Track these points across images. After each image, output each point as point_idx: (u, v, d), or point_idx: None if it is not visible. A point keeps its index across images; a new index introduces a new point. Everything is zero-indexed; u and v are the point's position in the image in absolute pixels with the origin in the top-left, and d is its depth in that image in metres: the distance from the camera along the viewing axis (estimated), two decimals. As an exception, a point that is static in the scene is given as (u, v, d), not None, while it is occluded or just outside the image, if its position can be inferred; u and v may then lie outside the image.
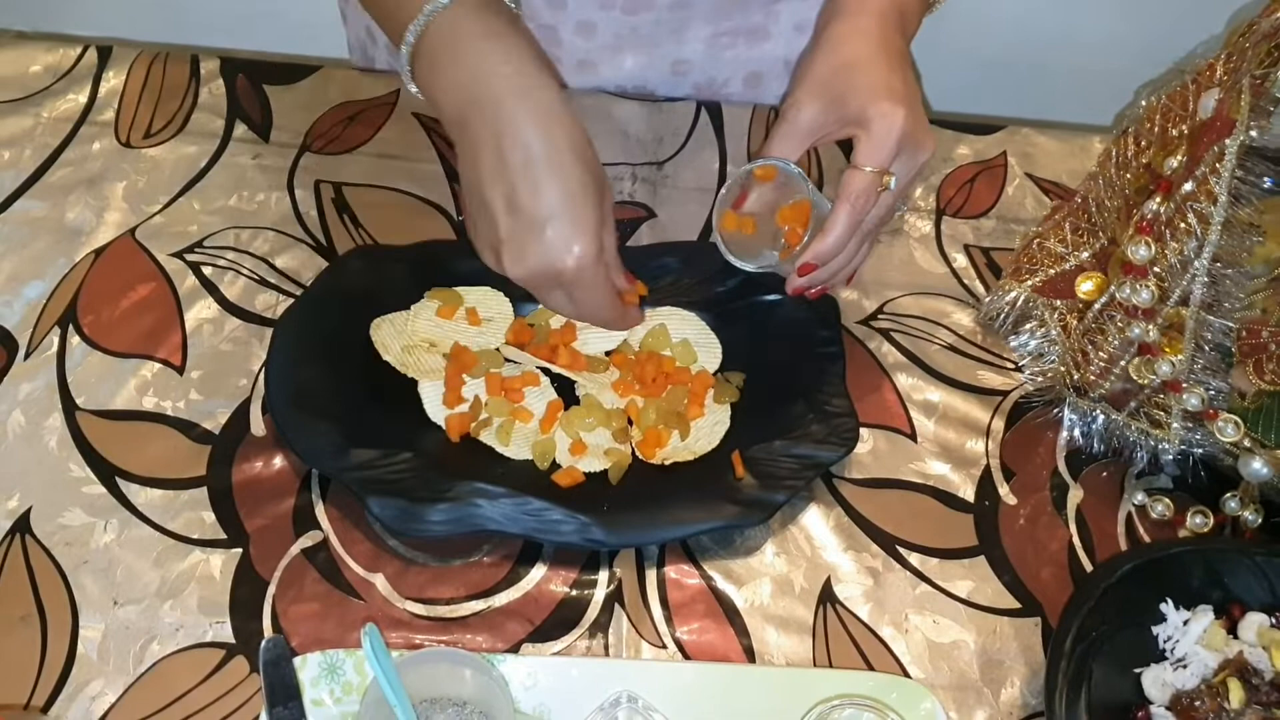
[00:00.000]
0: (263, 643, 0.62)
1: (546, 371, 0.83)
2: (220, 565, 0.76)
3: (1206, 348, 0.77)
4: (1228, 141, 0.69)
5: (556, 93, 0.69)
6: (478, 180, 0.70)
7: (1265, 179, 0.69)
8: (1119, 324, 0.79)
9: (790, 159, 0.78)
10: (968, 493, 0.83)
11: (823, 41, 0.78)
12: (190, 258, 0.89)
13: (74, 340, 0.85)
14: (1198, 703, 0.70)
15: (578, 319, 0.78)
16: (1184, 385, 0.78)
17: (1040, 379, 0.87)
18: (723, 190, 0.81)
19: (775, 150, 0.78)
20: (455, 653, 0.65)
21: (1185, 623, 0.74)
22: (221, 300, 0.87)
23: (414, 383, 0.82)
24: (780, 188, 0.80)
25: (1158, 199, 0.75)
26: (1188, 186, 0.72)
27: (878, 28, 0.78)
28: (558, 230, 0.69)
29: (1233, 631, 0.75)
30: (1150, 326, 0.77)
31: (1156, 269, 0.76)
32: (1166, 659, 0.74)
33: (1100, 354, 0.82)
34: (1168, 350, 0.78)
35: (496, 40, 0.70)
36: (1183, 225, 0.73)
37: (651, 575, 0.78)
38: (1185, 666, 0.73)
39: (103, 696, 0.71)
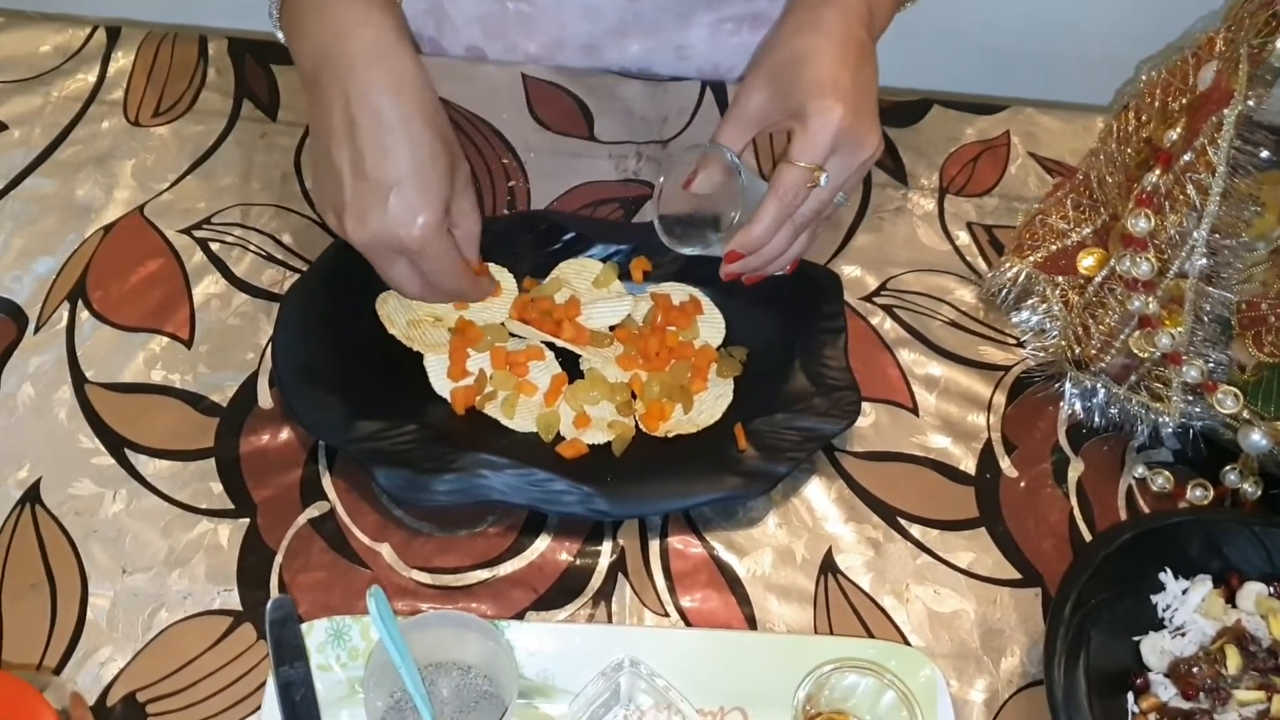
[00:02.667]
0: (269, 603, 0.62)
1: (551, 346, 0.84)
2: (228, 535, 0.77)
3: (1206, 320, 0.78)
4: (1226, 111, 0.69)
5: (413, 60, 0.69)
6: (326, 139, 0.69)
7: (1262, 150, 0.70)
8: (1119, 297, 0.80)
9: (736, 145, 0.77)
10: (969, 465, 0.84)
11: (780, 29, 0.77)
12: (198, 234, 0.90)
13: (83, 315, 0.85)
14: (1195, 669, 0.71)
15: (419, 294, 0.75)
16: (1183, 358, 0.78)
17: (1042, 354, 0.88)
18: (670, 172, 0.80)
19: (723, 135, 0.78)
20: (460, 615, 0.66)
21: (1184, 592, 0.75)
22: (229, 276, 0.88)
23: (419, 357, 0.83)
24: (725, 173, 0.79)
25: (1157, 171, 0.76)
26: (1186, 158, 0.72)
27: (839, 20, 0.75)
28: (402, 197, 0.68)
29: (1231, 601, 0.75)
30: (1150, 299, 0.78)
31: (1156, 241, 0.77)
32: (1165, 627, 0.74)
33: (1101, 328, 0.82)
34: (1167, 323, 0.79)
35: (360, 1, 0.69)
36: (1181, 197, 0.73)
37: (655, 545, 0.79)
38: (1183, 634, 0.74)
39: (112, 662, 0.72)
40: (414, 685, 0.64)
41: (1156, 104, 0.79)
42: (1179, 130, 0.74)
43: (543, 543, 0.78)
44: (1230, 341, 0.80)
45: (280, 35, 0.74)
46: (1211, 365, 0.79)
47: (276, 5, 0.73)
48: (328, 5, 0.69)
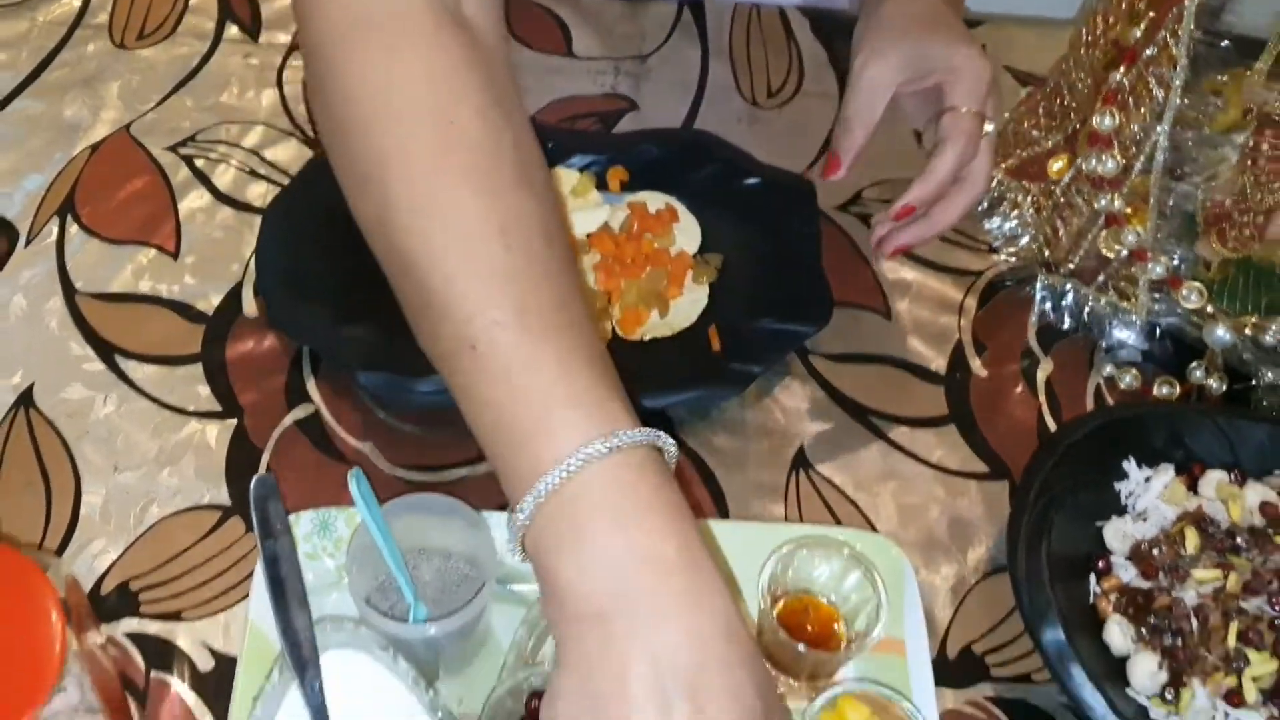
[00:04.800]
0: (253, 480, 0.64)
1: (530, 253, 0.86)
2: (216, 435, 0.79)
3: (1170, 216, 0.79)
4: (1186, 2, 0.70)
5: (729, 599, 0.52)
6: (619, 698, 0.50)
7: (1223, 40, 0.71)
8: (1086, 196, 0.81)
9: (875, 113, 0.79)
10: (939, 366, 0.86)
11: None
12: (183, 151, 0.92)
13: (72, 229, 0.87)
14: (1155, 550, 0.73)
15: None
16: (1149, 254, 0.80)
17: (1013, 259, 0.89)
18: None
19: (851, 107, 0.79)
20: (440, 499, 0.68)
21: (1147, 480, 0.77)
22: (214, 191, 0.90)
23: (401, 264, 0.85)
24: None
25: (1122, 69, 0.77)
26: (1149, 52, 0.74)
27: None
28: None
29: (1193, 489, 0.77)
30: (1116, 196, 0.79)
31: (1121, 139, 0.78)
32: (1128, 513, 0.76)
33: (1069, 229, 0.84)
34: (1133, 221, 0.80)
35: (658, 515, 0.52)
36: (1145, 92, 0.74)
37: (632, 444, 0.81)
38: (1145, 519, 0.75)
39: (105, 554, 0.74)
40: (395, 564, 0.66)
41: (1124, 4, 0.80)
42: (1143, 26, 0.75)
43: (522, 442, 0.80)
44: (1196, 239, 0.81)
45: (513, 551, 0.55)
46: (1177, 262, 0.80)
47: (522, 525, 0.53)
48: (620, 523, 0.51)
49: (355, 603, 0.64)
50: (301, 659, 0.61)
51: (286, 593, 0.62)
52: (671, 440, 0.55)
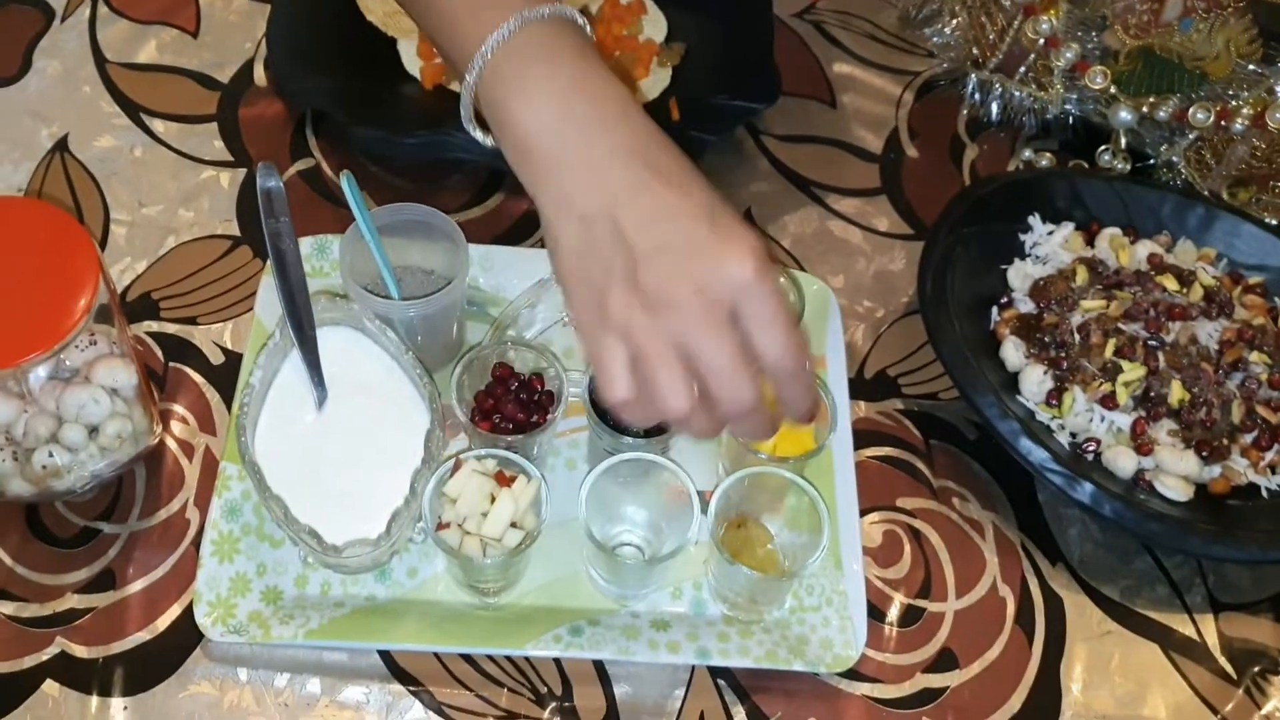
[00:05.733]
0: (258, 165, 0.74)
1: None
2: (229, 180, 0.89)
3: (1079, 4, 0.89)
4: None
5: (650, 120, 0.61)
6: (599, 198, 0.57)
7: None
8: (1009, -11, 0.91)
9: None
10: (876, 146, 0.96)
11: None
12: (204, -51, 1.02)
13: (103, 10, 0.97)
14: (1050, 286, 0.83)
15: (742, 381, 0.56)
16: (1061, 42, 0.90)
17: (949, 62, 0.99)
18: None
19: None
20: (424, 208, 0.77)
21: (1050, 233, 0.87)
22: (230, -19, 1.01)
23: (394, 44, 0.95)
24: None
25: None
26: None
27: None
28: (726, 217, 0.57)
29: (1090, 243, 0.87)
30: (1032, -14, 0.89)
31: (1037, -68, 0.88)
32: (1030, 258, 0.86)
33: (995, 25, 0.93)
34: (1049, 12, 0.90)
35: (592, 61, 0.60)
36: (1054, -119, 0.84)
37: (597, 202, 0.91)
38: (1045, 263, 0.85)
39: (130, 270, 0.84)
40: (380, 257, 0.76)
41: None
42: None
43: (499, 197, 0.90)
44: (1104, 30, 0.91)
45: (479, 134, 0.65)
46: (1087, 49, 0.90)
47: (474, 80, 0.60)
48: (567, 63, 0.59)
49: (347, 285, 0.75)
50: (299, 321, 0.72)
51: (287, 267, 0.72)
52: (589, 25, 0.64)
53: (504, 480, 0.67)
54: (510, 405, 0.72)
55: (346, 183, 0.75)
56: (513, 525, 0.66)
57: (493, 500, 0.66)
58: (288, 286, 0.72)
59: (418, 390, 0.72)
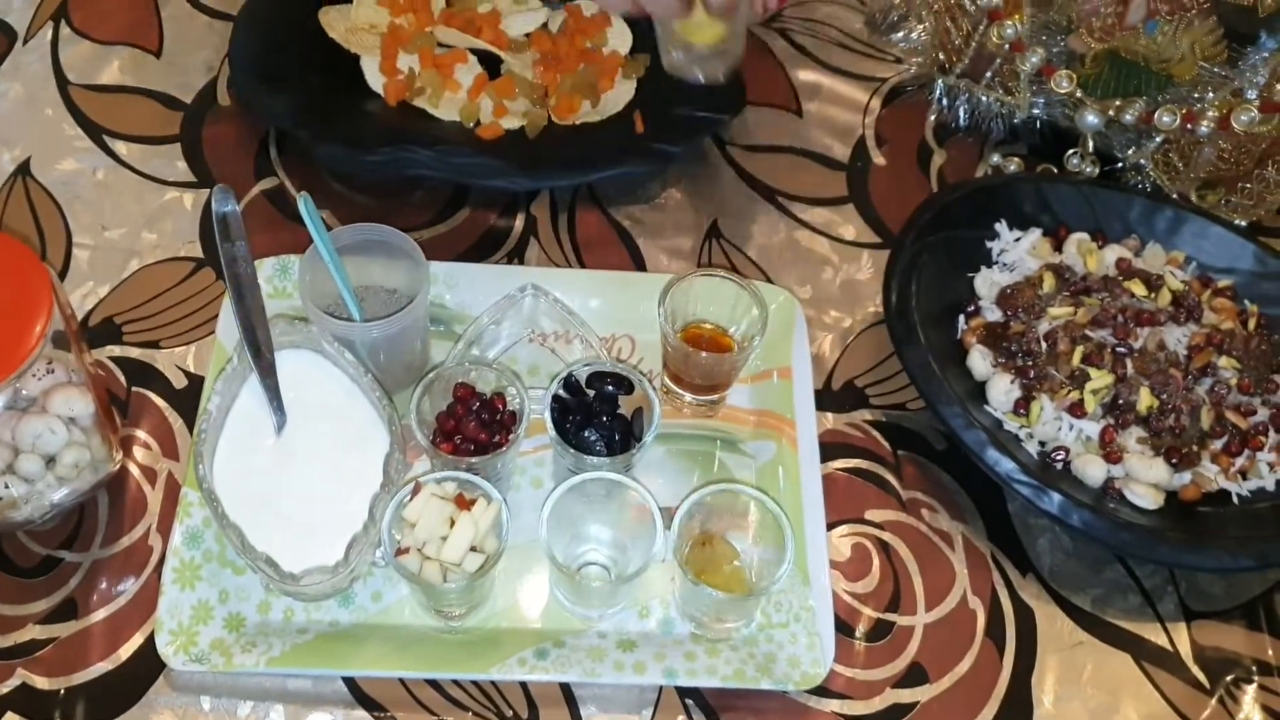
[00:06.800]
0: (213, 189, 0.73)
1: (474, 52, 0.95)
2: (192, 201, 0.89)
3: (1042, 7, 0.88)
4: None
5: None
6: None
7: None
8: (973, -5, 0.91)
9: None
10: (843, 155, 0.95)
11: None
12: (166, -33, 1.02)
13: (65, 31, 0.97)
14: (1017, 293, 0.83)
15: None
16: (1026, 46, 0.89)
17: (916, 67, 0.98)
18: None
19: None
20: (384, 228, 0.77)
21: (1017, 240, 0.86)
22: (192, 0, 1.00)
23: (357, 61, 0.94)
24: None
25: None
26: None
27: None
28: None
29: (1058, 249, 0.87)
30: (996, -9, 0.89)
31: (999, -63, 0.87)
32: (997, 265, 0.86)
33: (960, 30, 0.93)
34: (1013, 17, 0.89)
35: None
36: (1015, -114, 0.83)
37: (564, 217, 0.90)
38: (1012, 271, 0.85)
39: (93, 294, 0.84)
40: (340, 278, 0.75)
41: None
42: None
43: (464, 213, 0.90)
44: (1069, 34, 0.90)
45: None
46: (1051, 56, 0.89)
47: None
48: None
49: (306, 308, 0.74)
50: (256, 346, 0.71)
51: (244, 291, 0.72)
52: None
53: (464, 503, 0.67)
54: (472, 425, 0.72)
55: (304, 204, 0.74)
56: (473, 549, 0.65)
57: (452, 524, 0.66)
58: (245, 311, 0.71)
59: (377, 412, 0.72)
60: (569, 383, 0.73)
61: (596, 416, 0.72)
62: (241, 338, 0.72)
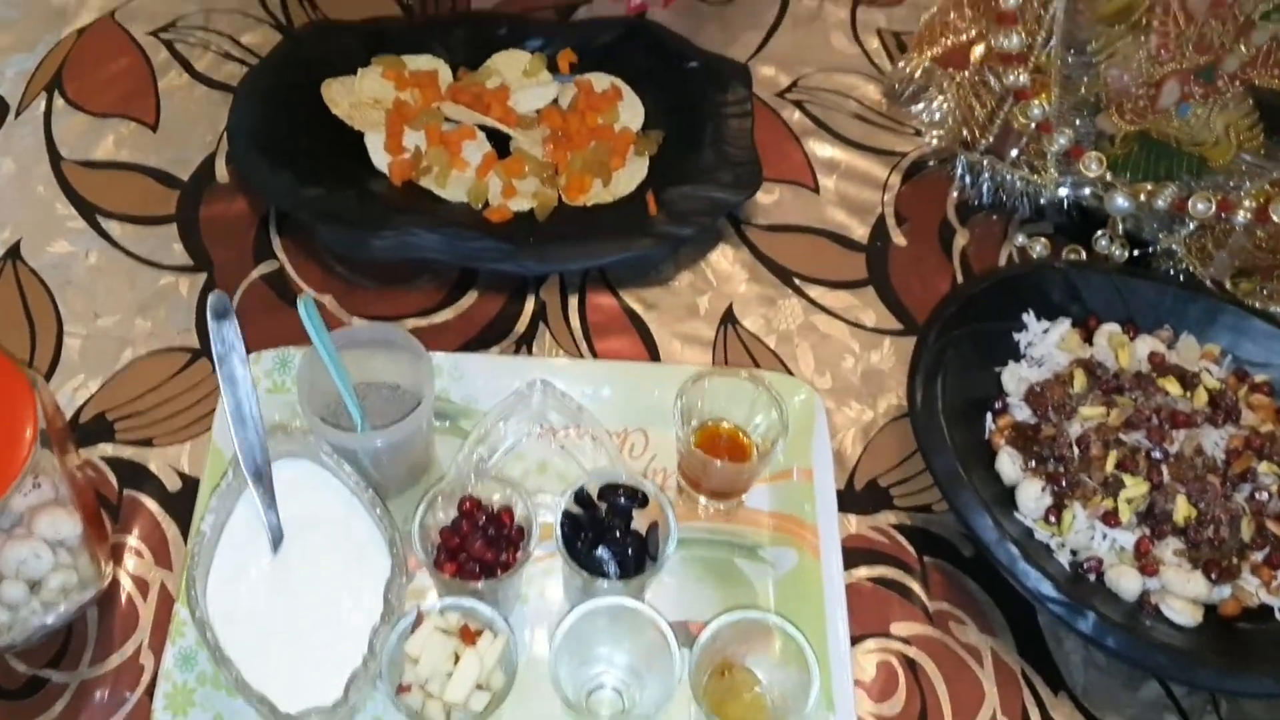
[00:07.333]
0: (209, 296, 0.70)
1: (483, 129, 0.92)
2: (188, 286, 0.86)
3: (1071, 89, 0.85)
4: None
5: None
6: None
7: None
8: (998, 73, 0.87)
9: None
10: (862, 235, 0.92)
11: None
12: (164, 36, 0.99)
13: (59, 103, 0.94)
14: (1047, 391, 0.79)
15: None
16: (1054, 126, 0.86)
17: (937, 141, 0.95)
18: None
19: None
20: (387, 328, 0.74)
21: (1045, 331, 0.83)
22: (191, 71, 0.96)
23: (361, 137, 0.91)
24: None
25: (1026, -52, 0.83)
26: (1047, -68, 0.79)
27: None
28: None
29: (1088, 340, 0.83)
30: (1022, 71, 0.85)
31: (1025, 18, 0.84)
32: (1025, 359, 0.82)
33: (984, 107, 0.90)
34: (1040, 96, 0.86)
35: None
36: (1044, -33, 0.80)
37: (574, 301, 0.87)
38: (1040, 365, 0.82)
39: (84, 388, 0.81)
40: (342, 384, 0.72)
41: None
42: (1042, -91, 0.81)
43: (471, 297, 0.87)
44: (1098, 114, 0.87)
45: None
46: (1080, 135, 0.86)
47: None
48: None
49: (305, 415, 0.71)
50: (253, 460, 0.68)
51: (241, 404, 0.68)
52: None
53: (469, 635, 0.63)
54: (478, 544, 0.68)
55: (304, 308, 0.71)
56: (479, 687, 0.62)
57: (456, 659, 0.62)
58: (242, 425, 0.68)
59: (378, 530, 0.68)
60: (580, 496, 0.70)
61: (609, 532, 0.69)
62: (238, 457, 0.68)
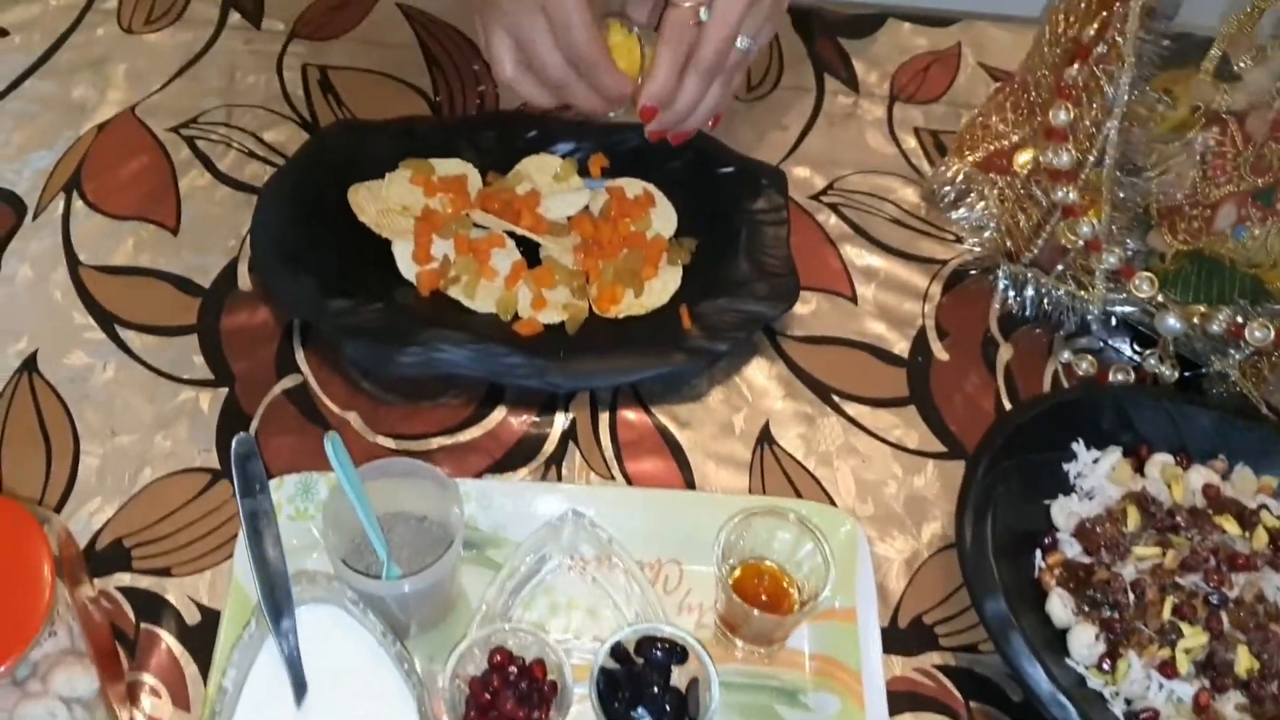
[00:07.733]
0: (234, 439, 0.68)
1: (512, 236, 0.90)
2: (208, 402, 0.83)
3: (1123, 209, 0.82)
4: (1131, 3, 0.73)
5: None
6: None
7: (1164, 39, 0.74)
8: (1045, 188, 0.85)
9: (641, 15, 0.81)
10: (902, 349, 0.89)
11: None
12: (185, 132, 0.96)
13: (78, 204, 0.92)
14: (1098, 528, 0.76)
15: (555, 68, 0.78)
16: (1104, 245, 0.83)
17: (978, 249, 0.92)
18: None
19: (630, 6, 0.82)
20: (412, 462, 0.71)
21: (1095, 461, 0.80)
22: (213, 170, 0.94)
23: (388, 244, 0.88)
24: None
25: (1076, 65, 0.80)
26: (1100, 49, 0.77)
27: None
28: None
29: (1140, 470, 0.80)
30: (1071, 189, 0.83)
31: (1076, 134, 0.81)
32: (1075, 492, 0.79)
33: (1029, 220, 0.87)
34: (1089, 212, 0.84)
35: None
36: (1095, 87, 0.78)
37: (604, 417, 0.84)
38: (1091, 498, 0.79)
39: (101, 512, 0.78)
40: (369, 524, 0.69)
41: (1082, 3, 0.83)
42: (1095, 24, 0.78)
43: (499, 414, 0.84)
44: (1149, 231, 0.84)
45: None
46: (1130, 254, 0.84)
47: None
48: None
49: (330, 560, 0.68)
50: (277, 610, 0.65)
51: (264, 548, 0.66)
52: None
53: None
54: (510, 702, 0.65)
55: (331, 445, 0.69)
56: None
57: (489, 839, 0.60)
58: (266, 574, 0.66)
59: (406, 685, 0.65)
60: (617, 651, 0.67)
61: (648, 688, 0.66)
62: (261, 604, 0.66)
